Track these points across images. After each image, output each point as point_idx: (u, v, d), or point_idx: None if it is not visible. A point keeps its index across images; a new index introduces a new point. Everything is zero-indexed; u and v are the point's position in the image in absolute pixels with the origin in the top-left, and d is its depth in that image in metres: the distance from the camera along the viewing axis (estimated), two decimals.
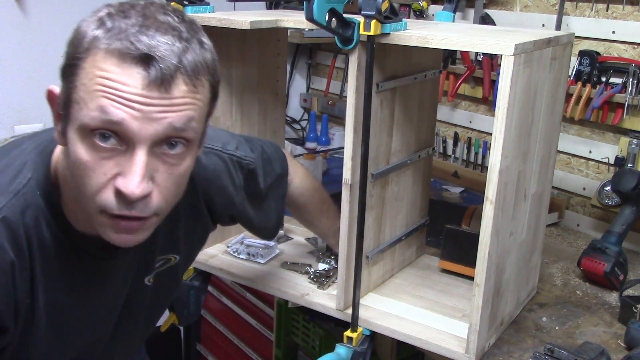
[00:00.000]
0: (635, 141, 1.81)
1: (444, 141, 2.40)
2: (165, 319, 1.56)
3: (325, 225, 1.48)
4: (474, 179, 2.28)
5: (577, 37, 1.82)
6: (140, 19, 0.78)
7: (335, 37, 1.19)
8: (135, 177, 0.78)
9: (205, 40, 0.84)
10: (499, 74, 1.07)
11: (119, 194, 0.79)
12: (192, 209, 1.10)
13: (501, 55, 1.06)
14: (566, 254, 1.79)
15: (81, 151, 0.79)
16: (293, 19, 1.36)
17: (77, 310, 0.96)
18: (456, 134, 2.35)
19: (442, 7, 1.76)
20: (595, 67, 1.85)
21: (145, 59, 0.76)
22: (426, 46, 1.13)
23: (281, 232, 1.71)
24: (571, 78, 1.88)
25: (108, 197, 0.80)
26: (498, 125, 1.08)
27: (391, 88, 1.33)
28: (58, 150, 0.91)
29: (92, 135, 0.78)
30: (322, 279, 1.46)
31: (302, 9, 1.10)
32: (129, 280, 1.03)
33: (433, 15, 2.19)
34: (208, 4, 1.42)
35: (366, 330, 1.32)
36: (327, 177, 2.41)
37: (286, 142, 2.47)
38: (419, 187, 1.55)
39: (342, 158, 1.28)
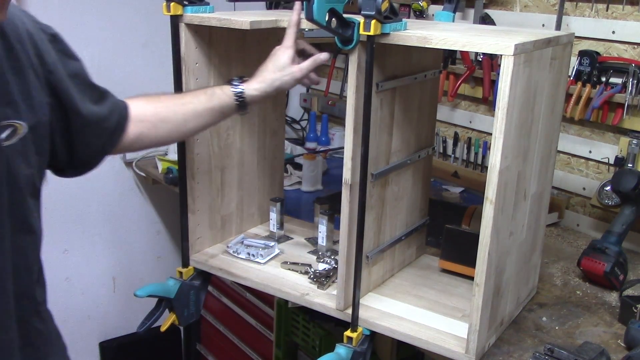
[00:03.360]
0: (635, 141, 1.81)
1: (444, 141, 2.40)
2: (165, 319, 1.56)
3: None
4: (474, 179, 2.28)
5: (577, 37, 1.82)
6: None
7: (335, 37, 1.19)
8: None
9: None
10: (499, 74, 1.07)
11: None
12: (10, 60, 0.99)
13: (501, 55, 1.06)
14: (566, 254, 1.80)
15: None
16: None
17: None
18: (456, 134, 2.35)
19: (442, 7, 1.76)
20: (595, 67, 1.85)
21: None
22: (426, 46, 1.13)
23: (281, 232, 1.71)
24: (571, 78, 1.88)
25: None
26: (498, 125, 1.08)
27: (391, 88, 1.33)
28: None
29: None
30: (322, 279, 1.45)
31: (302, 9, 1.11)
32: None
33: (433, 15, 2.18)
34: (208, 4, 1.42)
35: (366, 330, 1.32)
36: (327, 177, 2.42)
37: (286, 142, 2.47)
38: (419, 187, 1.55)
39: (342, 158, 1.28)
